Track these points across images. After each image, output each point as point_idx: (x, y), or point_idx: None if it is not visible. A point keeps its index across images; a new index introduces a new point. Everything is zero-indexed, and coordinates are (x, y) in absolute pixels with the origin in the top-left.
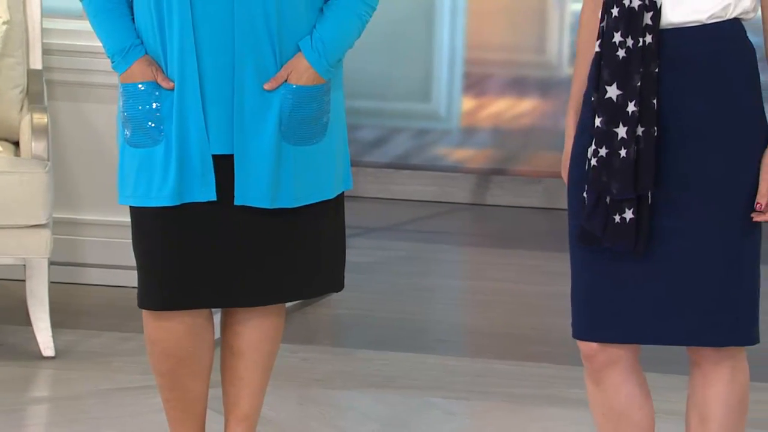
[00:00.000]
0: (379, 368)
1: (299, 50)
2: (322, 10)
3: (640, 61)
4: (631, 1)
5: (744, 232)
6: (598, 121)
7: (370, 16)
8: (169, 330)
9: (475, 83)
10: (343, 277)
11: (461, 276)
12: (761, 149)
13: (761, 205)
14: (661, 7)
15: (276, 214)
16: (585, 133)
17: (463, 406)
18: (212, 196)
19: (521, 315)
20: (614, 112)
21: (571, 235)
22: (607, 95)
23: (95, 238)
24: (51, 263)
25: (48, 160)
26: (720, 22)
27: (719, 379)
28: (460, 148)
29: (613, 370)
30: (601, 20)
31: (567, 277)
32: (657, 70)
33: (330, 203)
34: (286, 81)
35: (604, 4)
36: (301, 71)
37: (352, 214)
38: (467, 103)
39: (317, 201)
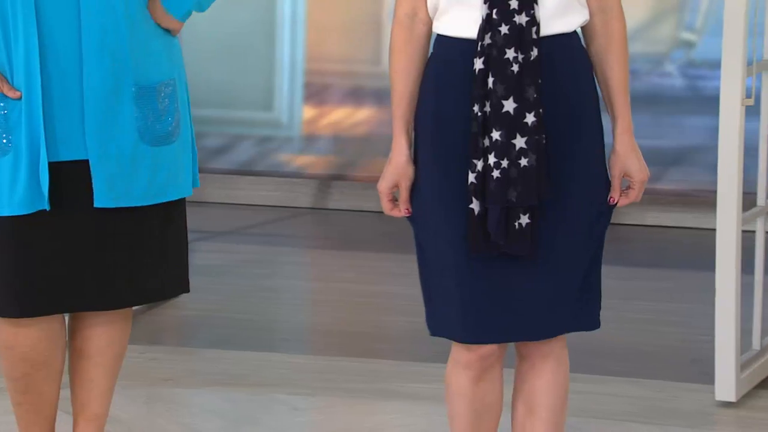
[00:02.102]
0: (226, 367)
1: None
2: None
3: (532, 74)
4: (518, 19)
5: (599, 221)
6: (496, 135)
7: None
8: (27, 336)
9: (315, 93)
10: (188, 278)
11: (304, 277)
12: (602, 140)
13: (614, 199)
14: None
15: (129, 217)
16: (449, 147)
17: (308, 402)
18: (45, 206)
19: (361, 313)
20: (512, 125)
21: (451, 246)
22: (504, 109)
23: None
24: None
25: None
26: (574, 30)
27: (547, 370)
28: (301, 155)
29: (495, 368)
30: (481, 39)
31: (405, 277)
32: (540, 81)
33: (177, 205)
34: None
35: (487, 23)
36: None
37: (198, 219)
38: (308, 112)
39: (173, 199)
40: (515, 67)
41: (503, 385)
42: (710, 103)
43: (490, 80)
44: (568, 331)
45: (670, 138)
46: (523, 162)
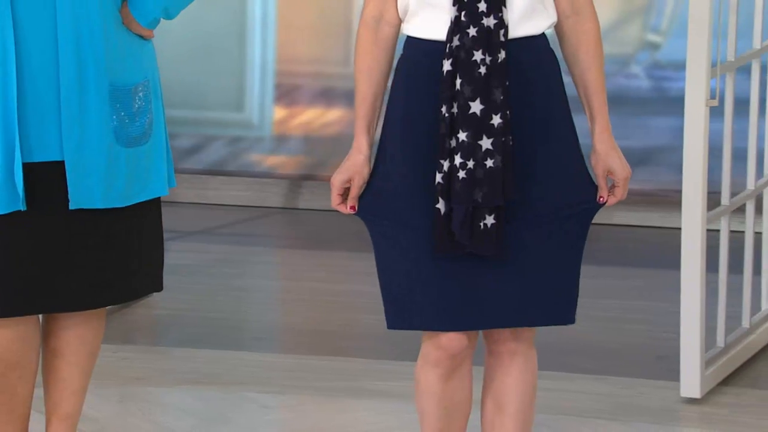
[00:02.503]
0: (197, 365)
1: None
2: None
3: (499, 76)
4: (486, 21)
5: (570, 221)
6: (463, 136)
7: None
8: (1, 337)
9: (286, 93)
10: (162, 277)
11: (275, 277)
12: (574, 141)
13: (603, 198)
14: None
15: (103, 218)
16: (418, 147)
17: (278, 400)
18: (21, 206)
19: (331, 312)
20: (479, 126)
21: (416, 245)
22: (471, 110)
23: None
24: None
25: None
26: (543, 32)
27: (515, 368)
28: (272, 155)
29: (464, 366)
30: (450, 41)
31: (375, 276)
32: (507, 83)
33: (151, 205)
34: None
35: (456, 25)
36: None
37: (169, 219)
38: (279, 113)
39: (148, 199)
40: (483, 69)
41: (472, 382)
42: (675, 104)
43: (458, 82)
44: (539, 325)
45: (636, 138)
46: (489, 163)
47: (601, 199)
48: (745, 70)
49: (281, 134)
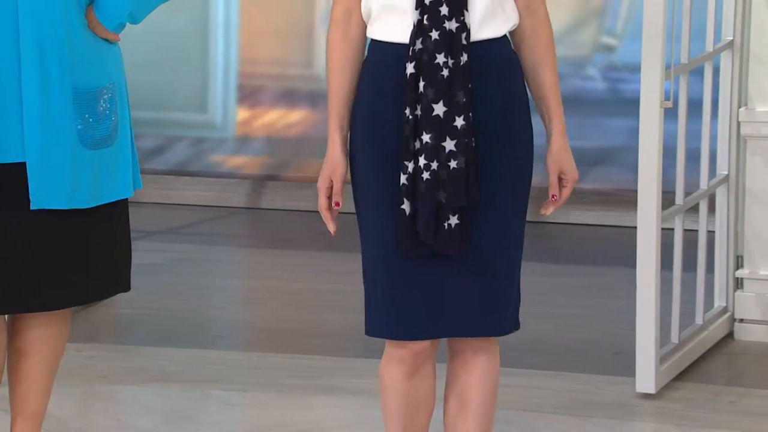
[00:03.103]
0: (161, 364)
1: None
2: None
3: (461, 78)
4: (448, 24)
5: (523, 222)
6: (426, 137)
7: None
8: None
9: (249, 95)
10: (130, 278)
11: (239, 276)
12: (532, 143)
13: (555, 197)
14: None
15: (69, 219)
16: (383, 149)
17: (241, 398)
18: None
19: (294, 311)
20: (442, 128)
21: (384, 246)
22: (434, 113)
23: None
24: None
25: None
26: (504, 34)
27: (478, 365)
28: (235, 156)
29: (428, 364)
30: (413, 44)
31: (338, 275)
32: (470, 85)
33: (117, 206)
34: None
35: (418, 28)
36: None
37: (133, 219)
38: (242, 114)
39: (113, 200)
40: (445, 72)
41: (436, 379)
42: (631, 106)
43: (421, 84)
44: (494, 335)
45: (592, 139)
46: (453, 164)
47: (554, 197)
48: (698, 72)
49: (244, 135)
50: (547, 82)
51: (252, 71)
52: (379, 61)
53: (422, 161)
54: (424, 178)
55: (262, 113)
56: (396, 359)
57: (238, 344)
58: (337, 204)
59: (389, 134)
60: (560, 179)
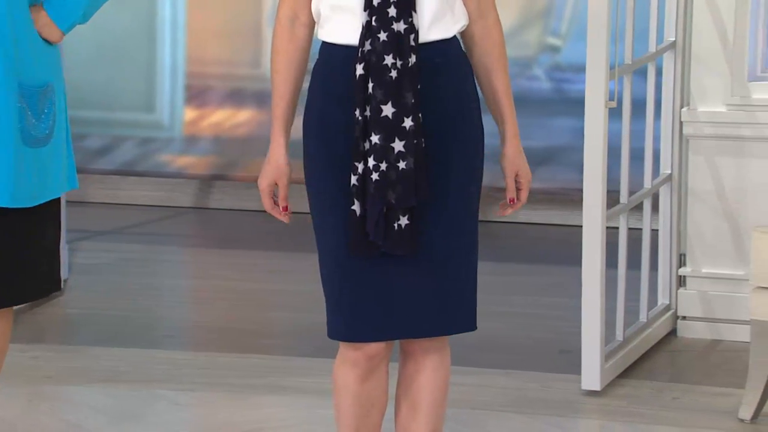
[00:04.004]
0: (109, 364)
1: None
2: None
3: (410, 79)
4: (396, 26)
5: (476, 223)
6: (375, 138)
7: None
8: None
9: (196, 95)
10: (61, 277)
11: (187, 275)
12: (483, 143)
13: (513, 200)
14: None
15: (5, 217)
16: (334, 150)
17: (190, 397)
18: None
19: (243, 310)
20: (391, 129)
21: (337, 247)
22: (383, 114)
23: None
24: None
25: None
26: (454, 35)
27: (429, 366)
28: (183, 156)
29: (383, 365)
30: (362, 45)
31: (287, 274)
32: (419, 86)
33: (50, 206)
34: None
35: (367, 29)
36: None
37: (80, 219)
38: (189, 114)
39: (50, 199)
40: (393, 73)
41: (389, 380)
42: (576, 106)
43: (370, 85)
44: (449, 334)
45: (538, 139)
46: (402, 165)
47: (512, 201)
48: (641, 73)
49: (192, 135)
50: (500, 86)
51: (199, 71)
52: (329, 63)
53: (371, 162)
54: (374, 179)
55: (210, 113)
56: (350, 361)
57: (186, 344)
58: (285, 208)
59: (339, 136)
60: (516, 182)
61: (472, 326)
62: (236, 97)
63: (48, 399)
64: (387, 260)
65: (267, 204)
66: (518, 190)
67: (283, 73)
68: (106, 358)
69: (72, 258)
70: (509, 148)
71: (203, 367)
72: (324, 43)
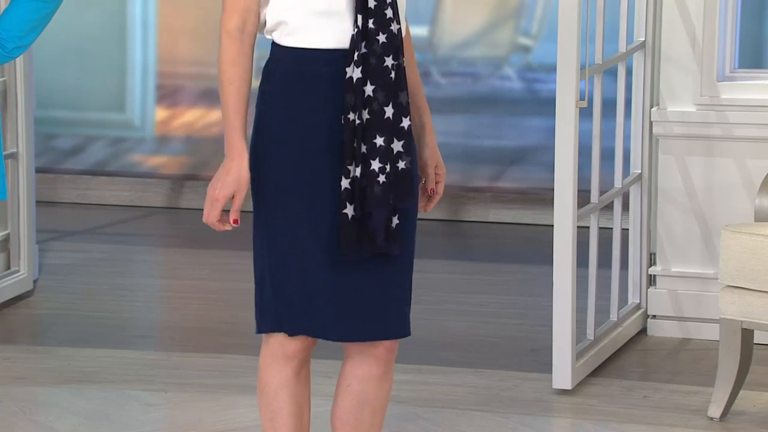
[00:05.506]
0: (80, 364)
1: None
2: None
3: (403, 79)
4: (393, 27)
5: (415, 224)
6: (380, 140)
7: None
8: None
9: (168, 95)
10: None
11: (158, 275)
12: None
13: (434, 191)
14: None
15: None
16: (315, 154)
17: (162, 397)
18: None
19: (214, 310)
20: (392, 130)
21: (314, 246)
22: (386, 116)
23: None
24: None
25: None
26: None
27: (372, 365)
28: (154, 156)
29: (307, 364)
30: (357, 48)
31: (253, 273)
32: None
33: None
34: None
35: (363, 33)
36: None
37: (50, 219)
38: (160, 113)
39: None
40: (393, 74)
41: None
42: (547, 105)
43: (370, 88)
44: (392, 338)
45: (509, 138)
46: (401, 165)
47: (432, 191)
48: (612, 73)
49: (163, 135)
50: (416, 81)
51: (170, 71)
52: (307, 69)
53: (376, 164)
54: (381, 182)
55: (181, 113)
56: (289, 354)
57: (157, 344)
58: (236, 222)
59: (318, 140)
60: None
61: (407, 331)
62: (208, 96)
63: (19, 400)
64: (356, 262)
65: (215, 214)
66: (437, 183)
67: (237, 85)
68: (77, 358)
69: (42, 258)
70: (431, 139)
71: (175, 367)
72: (296, 49)
